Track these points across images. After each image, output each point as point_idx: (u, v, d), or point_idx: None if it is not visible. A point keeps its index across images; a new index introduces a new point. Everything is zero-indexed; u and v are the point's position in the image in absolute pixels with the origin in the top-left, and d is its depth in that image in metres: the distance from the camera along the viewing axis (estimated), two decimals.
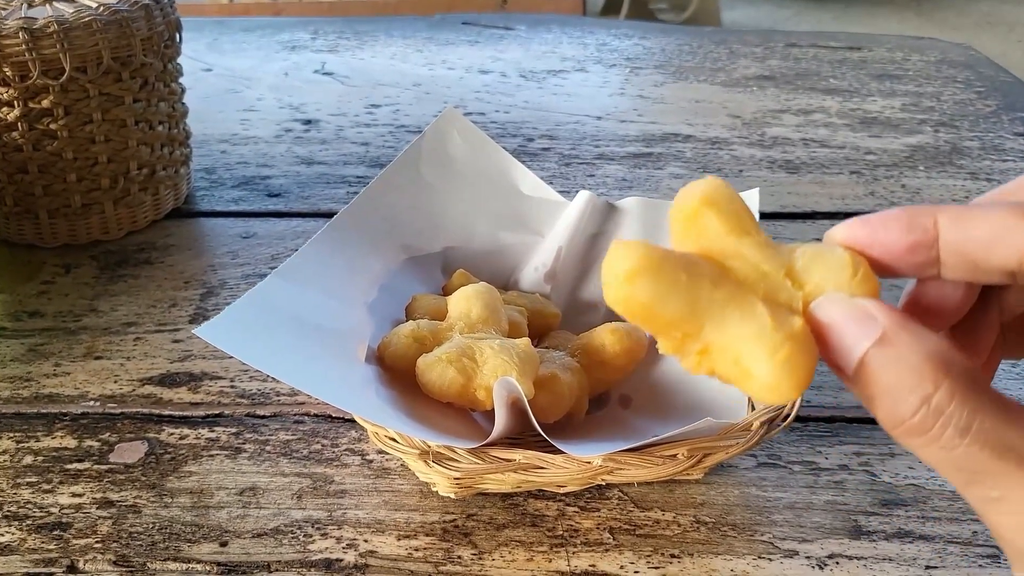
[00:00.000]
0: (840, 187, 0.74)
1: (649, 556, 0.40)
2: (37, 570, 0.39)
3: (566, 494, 0.43)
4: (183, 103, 0.68)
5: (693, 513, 0.42)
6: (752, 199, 0.51)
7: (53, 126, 0.59)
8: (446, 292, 0.50)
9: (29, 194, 0.61)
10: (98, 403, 0.49)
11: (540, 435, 0.39)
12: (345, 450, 0.46)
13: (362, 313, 0.46)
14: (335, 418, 0.48)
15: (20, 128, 0.58)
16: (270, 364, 0.38)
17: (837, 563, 0.39)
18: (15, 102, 0.58)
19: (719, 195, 0.24)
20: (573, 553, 0.40)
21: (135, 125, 0.62)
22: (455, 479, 0.40)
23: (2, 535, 0.41)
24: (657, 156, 0.79)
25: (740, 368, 0.22)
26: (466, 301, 0.45)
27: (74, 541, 0.40)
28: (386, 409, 0.40)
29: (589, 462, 0.37)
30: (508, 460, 0.37)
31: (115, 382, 0.51)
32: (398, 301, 0.48)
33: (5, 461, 0.45)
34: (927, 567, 0.39)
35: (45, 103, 0.58)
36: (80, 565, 0.39)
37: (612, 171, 0.77)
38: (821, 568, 0.39)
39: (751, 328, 0.22)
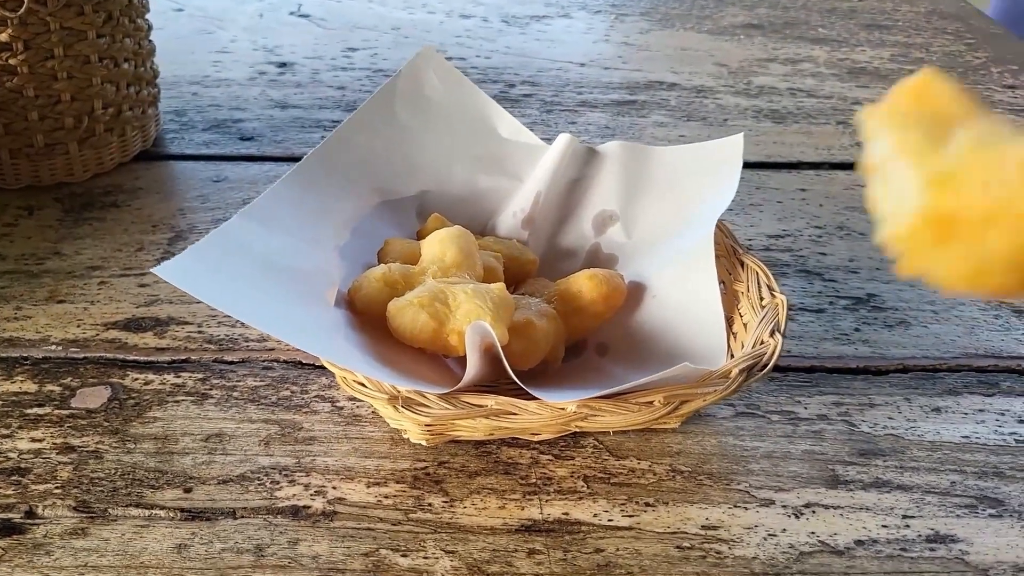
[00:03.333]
0: (826, 137, 0.73)
1: (623, 504, 0.39)
2: None
3: (540, 443, 0.42)
4: (150, 40, 0.65)
5: (669, 462, 0.41)
6: (736, 144, 0.50)
7: (12, 61, 0.57)
8: (420, 237, 0.48)
9: None
10: (60, 347, 0.47)
11: (514, 383, 0.38)
12: (315, 397, 0.45)
13: (332, 256, 0.45)
14: (305, 364, 0.47)
15: None
16: (234, 306, 0.37)
17: (813, 512, 0.39)
18: None
19: (950, 82, 0.20)
20: (546, 501, 0.39)
21: (99, 62, 0.60)
22: (426, 426, 0.39)
23: None
24: (641, 104, 0.77)
25: None
26: (440, 245, 0.43)
27: (33, 487, 0.39)
28: (355, 353, 0.39)
29: (563, 408, 0.36)
30: (480, 406, 0.36)
31: (78, 326, 0.49)
32: (370, 245, 0.47)
33: None
34: (904, 516, 0.39)
35: (3, 36, 0.55)
36: (39, 511, 0.38)
37: (595, 118, 0.75)
38: (797, 517, 0.39)
39: None
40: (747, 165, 0.66)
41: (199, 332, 0.49)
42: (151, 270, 0.36)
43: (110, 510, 0.38)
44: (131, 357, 0.47)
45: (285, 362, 0.47)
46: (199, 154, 0.67)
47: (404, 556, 0.36)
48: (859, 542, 0.38)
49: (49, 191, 0.61)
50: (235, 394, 0.45)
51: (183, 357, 0.47)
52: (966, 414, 0.44)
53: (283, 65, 0.83)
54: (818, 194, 0.65)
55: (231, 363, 0.47)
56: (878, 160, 0.19)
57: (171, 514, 0.38)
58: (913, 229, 0.17)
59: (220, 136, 0.70)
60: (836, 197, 0.64)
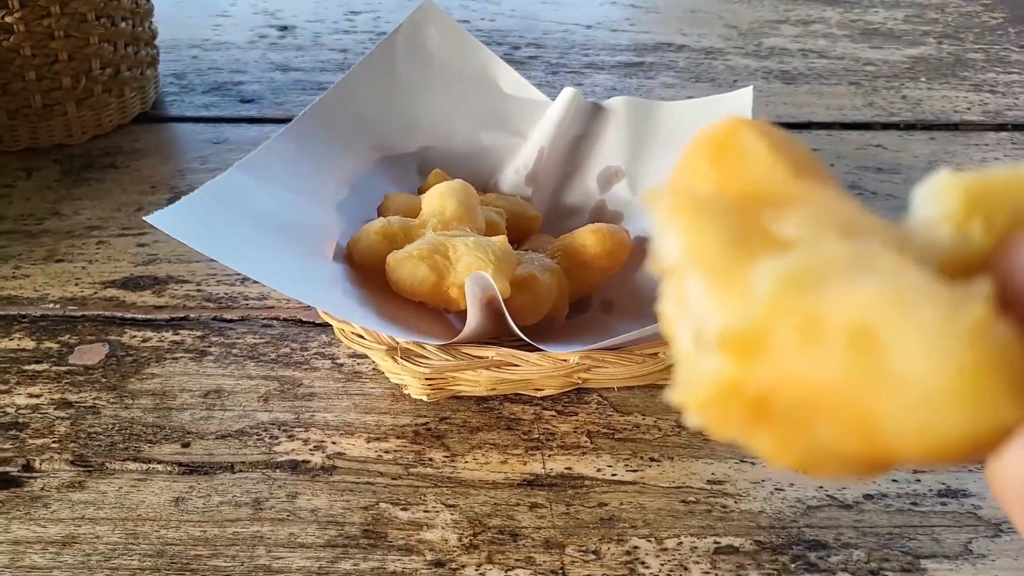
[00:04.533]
0: (838, 97, 0.71)
1: (627, 459, 0.38)
2: None
3: (543, 398, 0.41)
4: (148, 0, 0.64)
5: (675, 418, 0.41)
6: (745, 98, 0.49)
7: (8, 19, 0.56)
8: (421, 193, 0.48)
9: None
10: (58, 305, 0.47)
11: (517, 337, 0.37)
12: (315, 354, 0.44)
13: (330, 211, 0.44)
14: (305, 322, 0.46)
15: None
16: (229, 255, 0.36)
17: None
18: None
19: (765, 126, 0.15)
20: (549, 456, 0.39)
21: (96, 20, 0.59)
22: (426, 379, 0.38)
23: None
24: (649, 65, 0.76)
25: (863, 351, 0.12)
26: (440, 198, 0.43)
27: (30, 441, 0.39)
28: (353, 306, 0.38)
29: (565, 360, 0.36)
30: (481, 357, 0.36)
31: (76, 285, 0.48)
32: (370, 201, 0.46)
33: None
34: (915, 471, 0.38)
35: None
36: (36, 464, 0.38)
37: (601, 80, 0.73)
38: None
39: (886, 285, 0.12)
40: None
41: (198, 290, 0.48)
42: (145, 218, 0.35)
43: (107, 464, 0.38)
44: (129, 315, 0.46)
45: (285, 320, 0.46)
46: (199, 116, 0.66)
47: (404, 510, 0.36)
48: (868, 496, 0.37)
49: (48, 153, 0.61)
50: (234, 351, 0.44)
51: (182, 315, 0.46)
52: None
53: (284, 28, 0.82)
54: (829, 154, 0.63)
55: (230, 321, 0.46)
56: (669, 263, 0.14)
57: (169, 468, 0.38)
58: (711, 400, 0.13)
59: (220, 99, 0.69)
60: (847, 157, 0.63)
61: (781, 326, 0.12)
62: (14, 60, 0.57)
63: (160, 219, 0.35)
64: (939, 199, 0.14)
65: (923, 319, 0.11)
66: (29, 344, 0.44)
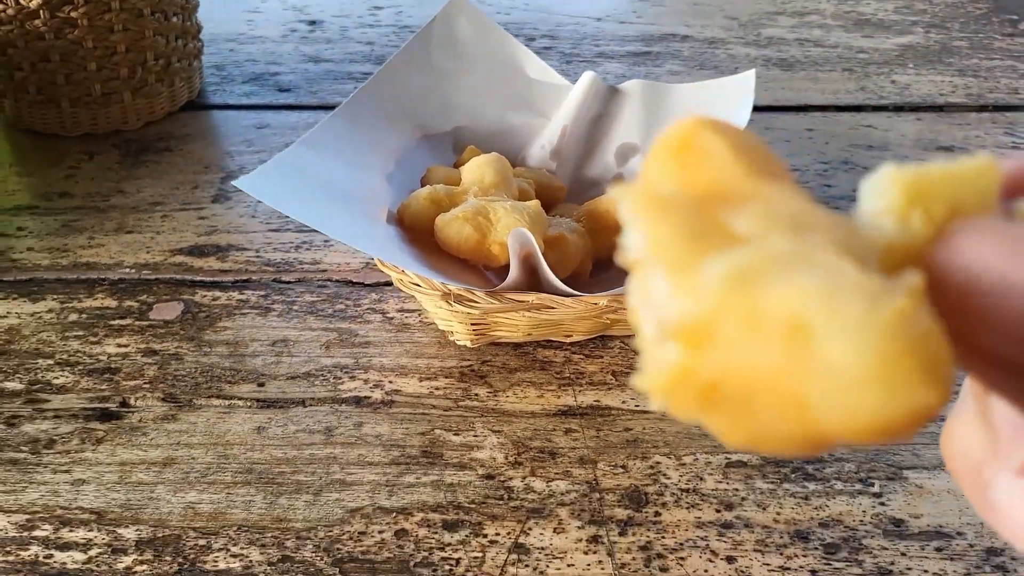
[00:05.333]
0: (832, 83, 0.77)
1: None
2: (93, 406, 0.43)
3: (572, 344, 0.47)
4: None
5: None
6: (747, 81, 0.54)
7: (74, 14, 0.61)
8: (457, 166, 0.53)
9: (51, 83, 0.63)
10: (133, 270, 0.52)
11: (551, 287, 0.43)
12: (367, 309, 0.49)
13: (381, 182, 0.50)
14: (356, 283, 0.51)
15: (42, 16, 0.60)
16: (304, 215, 0.41)
17: None
18: None
19: (724, 125, 0.16)
20: (579, 391, 0.44)
21: (151, 15, 0.64)
22: (472, 323, 0.44)
23: (57, 378, 0.44)
24: (656, 55, 0.82)
25: (797, 342, 0.12)
26: (479, 169, 0.48)
27: (124, 383, 0.44)
28: (408, 260, 0.43)
29: (596, 303, 0.41)
30: (522, 300, 0.41)
31: (147, 252, 0.54)
32: (414, 173, 0.52)
33: (52, 318, 0.48)
34: None
35: None
36: (131, 402, 0.43)
37: (612, 68, 0.79)
38: None
39: (820, 279, 0.13)
40: (756, 108, 0.70)
41: (257, 256, 0.54)
42: (233, 183, 0.40)
43: (194, 400, 0.43)
44: (198, 278, 0.52)
45: (337, 281, 0.52)
46: (241, 104, 0.71)
47: (456, 435, 0.41)
48: None
49: (106, 138, 0.66)
50: (295, 308, 0.49)
51: (245, 278, 0.52)
52: None
53: (313, 23, 0.87)
54: (824, 133, 0.69)
55: (288, 282, 0.52)
56: (635, 258, 0.14)
57: (248, 403, 0.43)
58: (667, 386, 0.13)
59: (259, 88, 0.74)
60: (841, 136, 0.68)
61: (727, 318, 0.13)
62: (77, 52, 0.63)
63: (244, 183, 0.41)
64: (882, 192, 0.15)
65: (849, 310, 0.12)
66: (112, 303, 0.50)
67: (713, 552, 0.36)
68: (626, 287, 0.15)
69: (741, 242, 0.13)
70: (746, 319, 0.13)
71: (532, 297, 0.41)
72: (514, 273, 0.42)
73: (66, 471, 0.39)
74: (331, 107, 0.71)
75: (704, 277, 0.13)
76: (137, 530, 0.37)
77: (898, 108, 0.72)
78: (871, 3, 0.94)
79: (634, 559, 0.36)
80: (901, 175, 0.15)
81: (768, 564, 0.36)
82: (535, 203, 0.46)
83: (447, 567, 0.36)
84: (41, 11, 0.60)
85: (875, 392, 0.12)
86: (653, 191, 0.15)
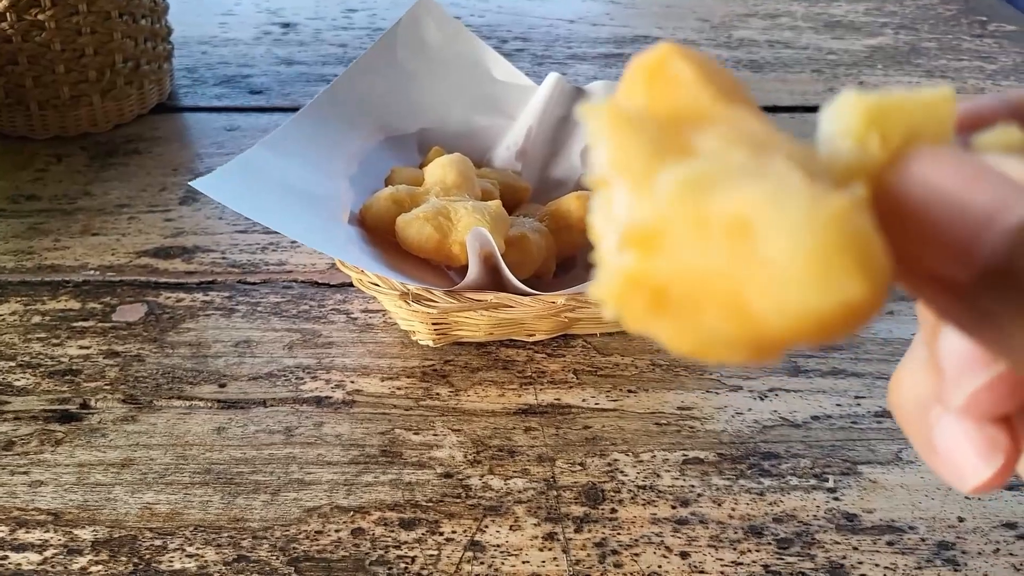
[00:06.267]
0: (801, 84, 0.77)
1: (608, 392, 0.44)
2: (53, 407, 0.43)
3: (535, 343, 0.47)
4: None
5: (650, 358, 0.46)
6: None
7: (41, 16, 0.61)
8: (422, 167, 0.53)
9: (20, 86, 0.63)
10: (98, 272, 0.52)
11: (511, 289, 0.43)
12: (331, 310, 0.50)
13: (344, 184, 0.50)
14: (320, 283, 0.52)
15: (9, 19, 0.60)
16: (263, 216, 0.41)
17: (776, 395, 0.44)
18: None
19: (695, 53, 0.16)
20: (540, 390, 0.44)
21: (119, 17, 0.64)
22: (432, 323, 0.44)
23: (19, 379, 0.44)
24: (628, 57, 0.82)
25: (740, 241, 0.13)
26: (441, 169, 0.48)
27: (85, 384, 0.44)
28: (369, 260, 0.44)
29: (554, 301, 0.41)
30: (481, 300, 0.41)
31: (112, 254, 0.54)
32: (377, 175, 0.52)
33: (15, 320, 0.48)
34: (856, 397, 0.44)
35: None
36: (92, 403, 0.43)
37: (584, 70, 0.79)
38: (762, 399, 0.44)
39: (767, 185, 0.13)
40: None
41: (223, 258, 0.54)
42: (190, 183, 0.41)
43: (155, 401, 0.43)
44: (163, 280, 0.52)
45: (302, 282, 0.52)
46: (212, 106, 0.71)
47: (416, 434, 0.42)
48: (815, 417, 0.43)
49: (75, 141, 0.66)
50: (259, 308, 0.50)
51: (210, 279, 0.52)
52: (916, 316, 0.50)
53: (287, 25, 0.87)
54: (794, 134, 0.69)
55: (253, 283, 0.52)
56: (599, 174, 0.15)
57: (209, 404, 0.43)
58: (620, 293, 0.14)
59: (230, 90, 0.74)
60: (809, 136, 0.68)
61: (677, 223, 0.13)
62: (45, 54, 0.62)
63: (202, 184, 0.41)
64: (841, 116, 0.15)
65: (791, 209, 0.12)
66: (75, 305, 0.50)
67: (667, 548, 0.37)
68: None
69: (700, 158, 0.14)
70: (694, 223, 0.13)
71: (490, 296, 0.41)
72: (473, 272, 0.42)
73: (24, 472, 0.39)
74: None
75: (659, 185, 0.13)
76: (93, 531, 0.37)
77: None
78: (842, 5, 0.95)
79: (589, 555, 0.36)
80: (861, 100, 0.15)
81: (721, 559, 0.36)
82: (496, 203, 0.46)
83: (403, 565, 0.36)
84: (8, 14, 0.60)
85: (810, 285, 0.12)
86: (621, 110, 0.15)
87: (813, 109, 0.73)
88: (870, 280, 0.12)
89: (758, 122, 0.15)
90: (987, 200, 0.13)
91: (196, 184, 0.40)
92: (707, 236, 0.13)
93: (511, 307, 0.42)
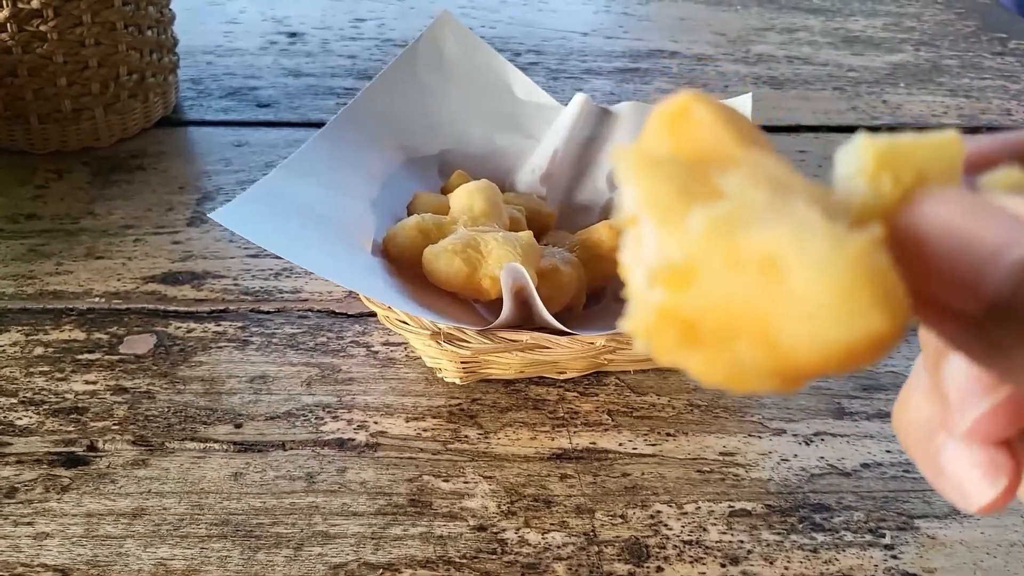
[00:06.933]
0: (823, 102, 0.75)
1: (646, 435, 0.42)
2: (58, 449, 0.40)
3: (565, 381, 0.45)
4: (171, 8, 0.67)
5: (687, 397, 0.44)
6: (744, 105, 0.52)
7: (43, 28, 0.58)
8: (444, 192, 0.51)
9: (19, 98, 0.60)
10: (103, 299, 0.50)
11: (545, 324, 0.41)
12: (350, 342, 0.47)
13: (366, 208, 0.47)
14: (338, 314, 0.49)
15: (9, 29, 0.58)
16: (283, 249, 0.39)
17: (822, 440, 0.42)
18: (4, 2, 0.57)
19: (715, 101, 0.17)
20: (574, 432, 0.42)
21: (124, 29, 0.62)
22: (461, 362, 0.41)
23: (20, 418, 0.42)
24: (644, 71, 0.80)
25: (770, 278, 0.14)
26: (468, 196, 0.46)
27: (92, 424, 0.42)
28: (395, 295, 0.41)
29: (593, 342, 0.39)
30: (515, 340, 0.39)
31: (118, 280, 0.51)
32: (399, 199, 0.49)
33: (16, 352, 0.46)
34: None
35: (35, 3, 0.57)
36: (100, 445, 0.41)
37: (600, 85, 0.77)
38: (807, 444, 0.42)
39: (791, 224, 0.14)
40: None
41: (235, 284, 0.51)
42: (209, 215, 0.38)
43: (167, 443, 0.41)
44: (172, 308, 0.49)
45: (319, 311, 0.49)
46: (218, 120, 0.69)
47: (446, 481, 0.39)
48: (865, 465, 0.41)
49: (76, 156, 0.63)
50: (274, 340, 0.47)
51: (221, 308, 0.49)
52: None
53: (293, 35, 0.85)
54: (816, 156, 0.68)
55: (268, 313, 0.49)
56: (628, 213, 0.15)
57: (225, 447, 0.41)
58: (651, 327, 0.14)
59: (237, 103, 0.72)
60: (834, 158, 0.67)
61: (708, 260, 0.14)
62: (47, 67, 0.60)
63: (221, 216, 0.38)
64: (855, 157, 0.16)
65: (817, 248, 0.13)
66: (80, 335, 0.47)
67: None
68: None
69: (726, 198, 0.15)
70: (725, 260, 0.14)
71: (526, 337, 0.39)
72: (507, 311, 0.40)
73: (28, 523, 0.37)
74: (312, 123, 0.68)
75: (689, 224, 0.14)
76: None
77: (892, 129, 0.71)
78: (859, 19, 0.93)
79: None
80: (874, 142, 0.16)
81: None
82: (527, 234, 0.44)
83: None
84: (8, 24, 0.57)
85: (836, 317, 0.13)
86: (647, 153, 0.16)
87: (837, 129, 0.71)
88: (891, 313, 0.13)
89: (777, 164, 0.16)
90: (993, 236, 0.14)
91: (215, 216, 0.38)
92: (738, 272, 0.14)
93: (548, 348, 0.39)
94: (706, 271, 0.14)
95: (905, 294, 0.14)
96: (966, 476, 0.17)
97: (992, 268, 0.14)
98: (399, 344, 0.47)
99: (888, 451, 0.41)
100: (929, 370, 0.18)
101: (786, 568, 0.36)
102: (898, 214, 0.15)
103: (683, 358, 0.15)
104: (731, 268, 0.14)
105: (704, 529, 0.37)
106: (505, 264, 0.39)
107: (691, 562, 0.36)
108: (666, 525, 0.38)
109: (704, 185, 0.15)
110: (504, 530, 0.37)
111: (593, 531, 0.37)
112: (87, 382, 0.44)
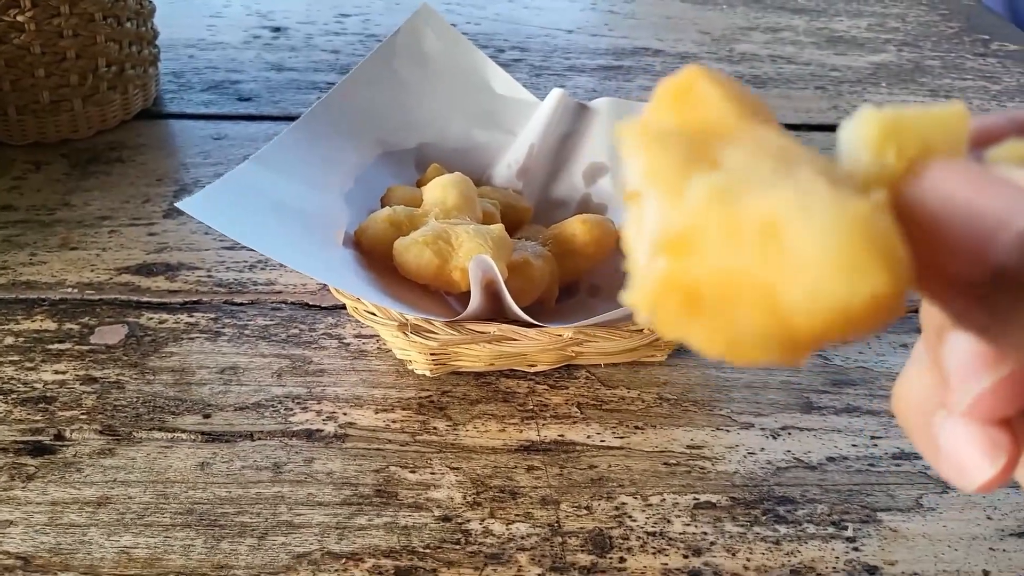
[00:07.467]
0: (805, 101, 0.76)
1: (614, 428, 0.42)
2: (25, 438, 0.40)
3: (536, 374, 0.45)
4: (151, 1, 0.67)
5: (656, 391, 0.44)
6: None
7: (20, 18, 0.58)
8: (420, 185, 0.51)
9: None
10: (76, 290, 0.50)
11: (514, 316, 0.41)
12: (322, 334, 0.47)
13: (339, 201, 0.47)
14: (311, 306, 0.49)
15: None
16: (252, 239, 0.39)
17: (789, 434, 0.42)
18: None
19: (721, 76, 0.17)
20: (543, 425, 0.42)
21: (103, 20, 0.61)
22: (431, 354, 0.42)
23: None
24: (627, 69, 0.80)
25: (770, 242, 0.13)
26: (442, 189, 0.46)
27: (60, 413, 0.42)
28: (365, 286, 0.41)
29: (560, 334, 0.39)
30: (483, 332, 0.39)
31: (92, 271, 0.51)
32: (373, 192, 0.49)
33: None
34: (872, 437, 0.42)
35: None
36: (67, 434, 0.41)
37: (582, 82, 0.77)
38: (774, 438, 0.42)
39: (794, 190, 0.14)
40: None
41: (208, 276, 0.51)
42: (177, 204, 0.38)
43: (135, 433, 0.41)
44: (145, 299, 0.49)
45: (292, 303, 0.49)
46: (199, 113, 0.69)
47: (412, 472, 0.39)
48: (830, 459, 0.41)
49: (55, 147, 0.63)
50: (246, 332, 0.47)
51: (195, 299, 0.49)
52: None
53: (277, 29, 0.84)
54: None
55: (241, 304, 0.49)
56: (632, 188, 0.15)
57: (192, 437, 0.41)
58: (654, 297, 0.14)
59: (218, 96, 0.71)
60: (838, 131, 0.67)
61: (709, 227, 0.14)
62: (24, 58, 0.60)
63: (189, 205, 0.38)
64: (860, 129, 0.16)
65: (818, 211, 0.13)
66: (51, 325, 0.47)
67: None
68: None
69: (728, 168, 0.15)
70: (726, 227, 0.14)
71: (494, 328, 0.39)
72: (475, 303, 0.40)
73: None
74: (293, 118, 0.68)
75: (690, 193, 0.14)
76: None
77: None
78: (844, 20, 0.93)
79: None
80: (879, 114, 0.16)
81: None
82: (499, 227, 0.44)
83: None
84: None
85: (838, 279, 0.13)
86: (652, 127, 0.16)
87: (818, 128, 0.71)
88: (893, 274, 0.13)
89: (782, 138, 0.16)
90: (998, 207, 0.14)
91: (183, 205, 0.38)
92: (738, 238, 0.14)
93: (516, 340, 0.39)
94: (707, 237, 0.14)
95: (907, 256, 0.13)
96: (965, 454, 0.17)
97: (996, 237, 0.14)
98: (371, 336, 0.47)
99: (854, 445, 0.42)
100: (929, 349, 0.18)
101: (748, 560, 0.36)
102: (903, 185, 0.15)
103: (686, 328, 0.14)
104: (731, 234, 0.14)
105: (668, 521, 0.38)
106: (474, 256, 0.40)
107: (654, 553, 0.36)
108: (630, 517, 0.38)
109: (708, 157, 0.15)
110: (469, 520, 0.37)
111: (558, 522, 0.37)
112: (56, 372, 0.44)
